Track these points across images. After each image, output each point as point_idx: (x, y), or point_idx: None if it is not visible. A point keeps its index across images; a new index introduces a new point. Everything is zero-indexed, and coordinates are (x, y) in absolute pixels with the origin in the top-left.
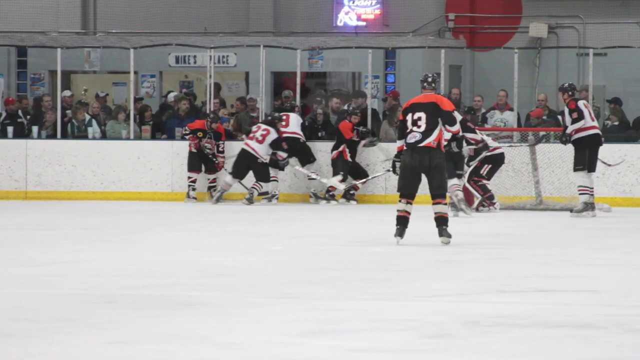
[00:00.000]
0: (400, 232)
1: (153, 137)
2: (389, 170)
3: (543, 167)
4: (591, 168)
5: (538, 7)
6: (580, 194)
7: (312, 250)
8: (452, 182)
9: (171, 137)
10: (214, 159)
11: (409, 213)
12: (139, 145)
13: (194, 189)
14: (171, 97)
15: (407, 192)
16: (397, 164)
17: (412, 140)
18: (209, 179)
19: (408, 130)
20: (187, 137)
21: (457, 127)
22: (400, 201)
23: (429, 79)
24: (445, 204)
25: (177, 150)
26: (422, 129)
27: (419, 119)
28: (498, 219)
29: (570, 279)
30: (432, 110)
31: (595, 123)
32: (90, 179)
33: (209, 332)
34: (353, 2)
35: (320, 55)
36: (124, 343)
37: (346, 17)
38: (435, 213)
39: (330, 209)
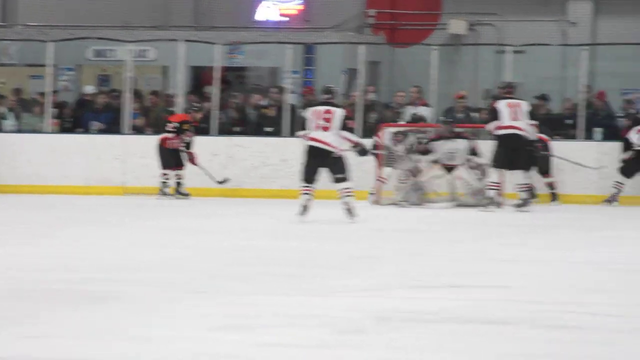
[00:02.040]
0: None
1: (69, 130)
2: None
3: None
4: (510, 166)
5: (457, 4)
6: (489, 189)
7: (227, 245)
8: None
9: (87, 131)
10: (184, 154)
11: None
12: (55, 138)
13: (167, 186)
14: (88, 89)
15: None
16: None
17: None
18: (177, 175)
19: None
20: (170, 133)
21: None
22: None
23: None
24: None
25: (92, 144)
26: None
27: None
28: (411, 215)
29: (481, 274)
30: None
31: (514, 123)
32: (5, 173)
33: (123, 327)
34: None
35: (241, 50)
36: (38, 337)
37: (267, 12)
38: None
39: (247, 204)
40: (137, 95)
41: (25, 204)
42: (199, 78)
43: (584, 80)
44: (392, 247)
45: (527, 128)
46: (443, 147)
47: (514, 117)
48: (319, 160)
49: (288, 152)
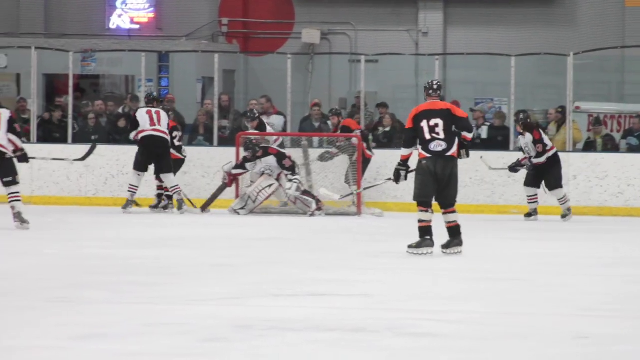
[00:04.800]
0: (430, 244)
1: None
2: (390, 179)
3: (317, 171)
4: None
5: (310, 13)
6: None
7: (84, 253)
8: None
9: None
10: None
11: (431, 221)
12: None
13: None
14: None
15: (426, 200)
16: (403, 173)
17: (439, 149)
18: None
19: (428, 138)
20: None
21: (472, 134)
22: (424, 211)
23: (435, 86)
24: (455, 211)
25: None
26: (443, 136)
27: (437, 125)
28: (270, 222)
29: (343, 282)
30: (447, 118)
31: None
32: None
33: None
34: (126, 5)
35: (93, 58)
36: None
37: (119, 20)
38: (450, 222)
39: (102, 213)
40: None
41: None
42: (52, 86)
43: None
44: (249, 255)
45: None
46: (257, 167)
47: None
48: None
49: None
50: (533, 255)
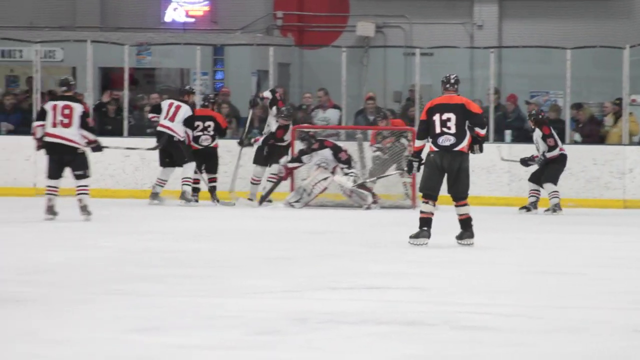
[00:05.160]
0: (427, 235)
1: None
2: (402, 170)
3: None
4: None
5: (365, 6)
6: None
7: (141, 246)
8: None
9: None
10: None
11: (433, 214)
12: None
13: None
14: None
15: (431, 193)
16: (415, 165)
17: (447, 144)
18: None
19: (438, 132)
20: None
21: (485, 131)
22: (425, 202)
23: (452, 80)
24: (468, 204)
25: (2, 146)
26: (454, 131)
27: (448, 120)
28: (326, 216)
29: (397, 276)
30: (461, 113)
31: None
32: None
33: (36, 329)
34: None
35: (148, 51)
36: None
37: (174, 13)
38: (462, 214)
39: (158, 207)
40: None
41: None
42: (108, 79)
43: (492, 82)
44: (306, 249)
45: None
46: (313, 160)
47: None
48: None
49: None
50: (588, 248)
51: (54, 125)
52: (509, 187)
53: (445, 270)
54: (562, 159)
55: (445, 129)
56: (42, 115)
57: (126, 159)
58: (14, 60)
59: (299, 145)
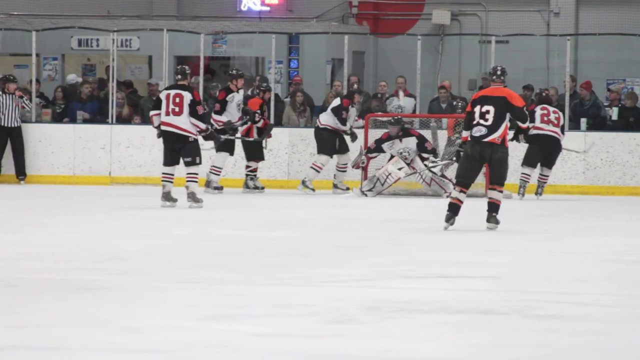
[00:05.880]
0: (449, 218)
1: (55, 120)
2: (453, 159)
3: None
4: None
5: None
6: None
7: (214, 235)
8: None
9: (73, 120)
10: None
11: (462, 202)
12: (41, 128)
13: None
14: (71, 79)
15: (464, 181)
16: (462, 154)
17: (477, 134)
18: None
19: (475, 122)
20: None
21: (526, 124)
22: (454, 188)
23: (498, 72)
24: (501, 191)
25: (79, 134)
26: (489, 122)
27: (487, 112)
28: (394, 204)
29: (471, 265)
30: (501, 105)
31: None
32: None
33: (111, 316)
34: None
35: (224, 40)
36: (26, 327)
37: (250, 2)
38: (490, 198)
39: (230, 195)
40: (128, 85)
41: (12, 193)
42: None
43: (568, 70)
44: (380, 237)
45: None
46: (395, 147)
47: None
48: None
49: (274, 141)
50: None
51: (167, 113)
52: (584, 176)
53: (519, 259)
54: (541, 140)
55: (481, 121)
56: (157, 104)
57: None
58: (91, 49)
59: (373, 134)
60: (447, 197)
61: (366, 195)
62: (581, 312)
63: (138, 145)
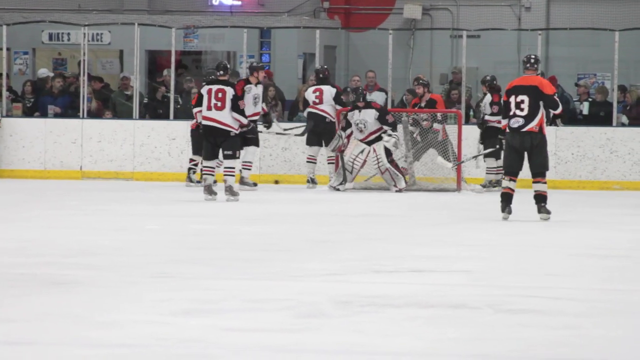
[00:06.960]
0: (505, 208)
1: (26, 114)
2: (496, 146)
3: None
4: None
5: None
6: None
7: (186, 229)
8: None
9: (44, 114)
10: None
11: (513, 190)
12: (11, 122)
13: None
14: (42, 73)
15: (512, 170)
16: (503, 142)
17: (516, 125)
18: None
19: (512, 113)
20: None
21: (560, 110)
22: (506, 179)
23: (532, 60)
24: (544, 182)
25: (50, 128)
26: (525, 112)
27: (522, 102)
28: (371, 199)
29: (443, 259)
30: (534, 94)
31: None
32: None
33: (82, 311)
34: None
35: (196, 34)
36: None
37: None
38: (535, 191)
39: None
40: (99, 80)
41: None
42: (155, 62)
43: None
44: (350, 231)
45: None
46: (355, 117)
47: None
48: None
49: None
50: (635, 231)
51: (209, 108)
52: (555, 170)
53: (492, 254)
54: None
55: (517, 111)
56: (200, 101)
57: (172, 142)
58: (62, 44)
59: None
60: (397, 191)
61: (338, 189)
62: (553, 306)
63: (109, 139)
